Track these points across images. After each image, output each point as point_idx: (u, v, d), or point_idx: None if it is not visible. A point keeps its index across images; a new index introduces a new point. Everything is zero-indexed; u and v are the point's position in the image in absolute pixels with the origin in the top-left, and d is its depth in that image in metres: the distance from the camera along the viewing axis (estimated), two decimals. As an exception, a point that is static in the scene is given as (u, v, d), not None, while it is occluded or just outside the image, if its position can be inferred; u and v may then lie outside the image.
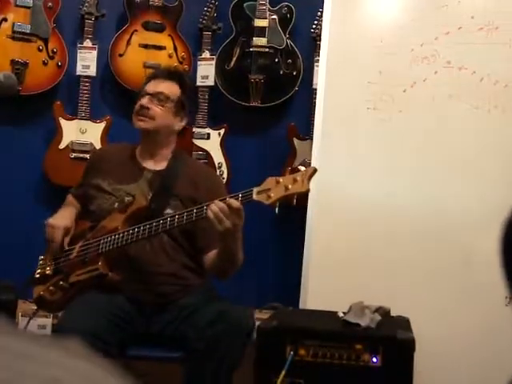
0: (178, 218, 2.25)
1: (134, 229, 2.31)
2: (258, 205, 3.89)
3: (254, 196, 2.08)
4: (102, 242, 2.38)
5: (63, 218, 2.52)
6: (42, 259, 2.52)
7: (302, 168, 2.13)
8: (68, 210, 2.59)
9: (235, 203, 2.13)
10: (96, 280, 2.36)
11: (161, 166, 2.56)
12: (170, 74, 2.63)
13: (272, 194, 2.04)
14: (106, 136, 3.70)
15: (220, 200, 2.16)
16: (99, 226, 2.44)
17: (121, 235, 2.34)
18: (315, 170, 2.04)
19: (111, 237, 2.36)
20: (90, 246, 2.41)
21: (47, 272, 2.46)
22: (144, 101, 2.52)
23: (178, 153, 2.62)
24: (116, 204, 2.47)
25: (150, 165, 2.56)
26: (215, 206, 2.14)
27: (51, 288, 2.43)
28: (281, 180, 2.05)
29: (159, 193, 2.47)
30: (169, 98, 2.54)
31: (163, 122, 2.54)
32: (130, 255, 2.39)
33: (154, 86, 2.56)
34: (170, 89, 2.56)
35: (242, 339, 2.27)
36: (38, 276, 2.49)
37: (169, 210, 2.43)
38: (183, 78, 2.69)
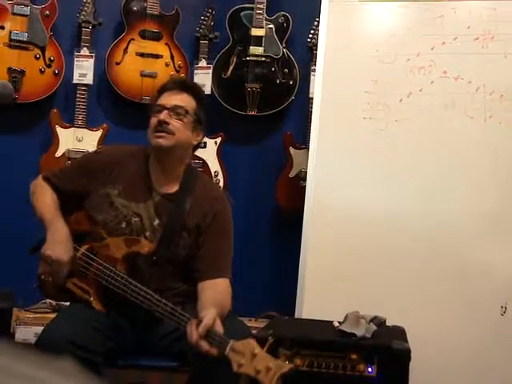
0: (162, 309, 2.19)
1: (128, 284, 2.24)
2: (255, 213, 3.91)
3: (227, 351, 1.99)
4: (100, 267, 2.32)
5: (65, 247, 2.33)
6: None
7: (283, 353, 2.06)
8: (64, 228, 2.37)
9: (208, 349, 2.04)
10: (84, 302, 2.33)
11: (171, 188, 2.43)
12: (184, 86, 2.47)
13: (242, 364, 1.97)
14: (102, 144, 3.70)
15: (200, 326, 2.05)
16: (104, 243, 2.38)
17: (117, 279, 2.27)
18: (290, 370, 1.96)
19: (109, 271, 2.29)
20: (91, 261, 2.36)
21: None
22: (162, 115, 2.37)
23: (189, 173, 2.48)
24: (123, 224, 2.37)
25: (160, 185, 2.43)
26: (195, 336, 2.05)
27: (51, 279, 2.40)
28: (257, 354, 1.95)
29: (167, 235, 2.36)
30: (187, 112, 2.40)
31: (182, 138, 2.39)
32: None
33: (169, 99, 2.41)
34: (187, 102, 2.42)
35: None
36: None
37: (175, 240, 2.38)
38: (198, 89, 2.55)
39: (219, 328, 2.07)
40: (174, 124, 2.38)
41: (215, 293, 2.30)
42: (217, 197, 2.50)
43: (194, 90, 2.50)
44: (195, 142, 2.48)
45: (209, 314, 2.09)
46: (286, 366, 1.96)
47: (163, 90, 2.48)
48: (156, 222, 2.39)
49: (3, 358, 0.50)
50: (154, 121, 2.39)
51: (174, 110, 2.39)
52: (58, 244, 2.34)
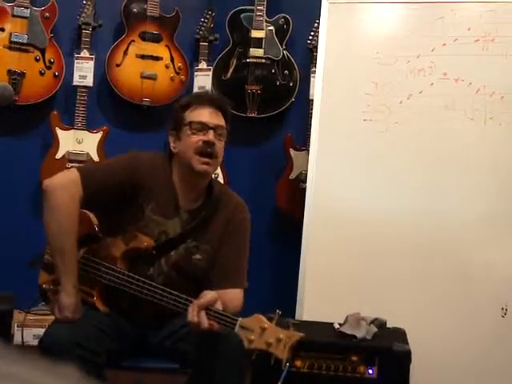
0: (167, 298, 2.18)
1: (131, 279, 2.24)
2: (255, 214, 3.89)
3: (237, 329, 2.01)
4: (100, 267, 2.30)
5: (79, 310, 2.23)
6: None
7: (291, 322, 2.07)
8: (77, 287, 2.23)
9: (213, 326, 2.05)
10: (88, 304, 2.32)
11: (196, 202, 2.38)
12: (219, 105, 2.36)
13: (253, 339, 1.97)
14: (102, 146, 3.70)
15: (202, 305, 2.07)
16: (101, 244, 2.37)
17: (118, 276, 2.26)
18: (301, 338, 1.97)
19: (108, 270, 2.29)
20: (90, 263, 2.35)
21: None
22: (212, 137, 2.27)
23: (212, 185, 2.42)
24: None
25: (186, 201, 2.36)
26: (195, 308, 2.06)
27: (52, 287, 2.39)
28: (266, 328, 1.96)
29: (180, 237, 2.33)
30: (227, 133, 2.35)
31: (221, 159, 2.35)
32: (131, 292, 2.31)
33: (209, 117, 2.31)
34: (223, 121, 2.34)
35: (242, 361, 2.24)
36: (45, 262, 2.43)
37: (198, 256, 2.35)
38: (228, 108, 2.42)
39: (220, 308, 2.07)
40: (218, 145, 2.30)
41: (224, 293, 2.27)
42: (237, 205, 2.47)
43: (225, 108, 2.40)
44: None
45: (210, 293, 2.09)
46: (297, 335, 1.96)
47: (196, 103, 2.36)
48: None
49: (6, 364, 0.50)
50: (196, 140, 2.28)
51: (217, 131, 2.30)
52: (73, 308, 2.24)
